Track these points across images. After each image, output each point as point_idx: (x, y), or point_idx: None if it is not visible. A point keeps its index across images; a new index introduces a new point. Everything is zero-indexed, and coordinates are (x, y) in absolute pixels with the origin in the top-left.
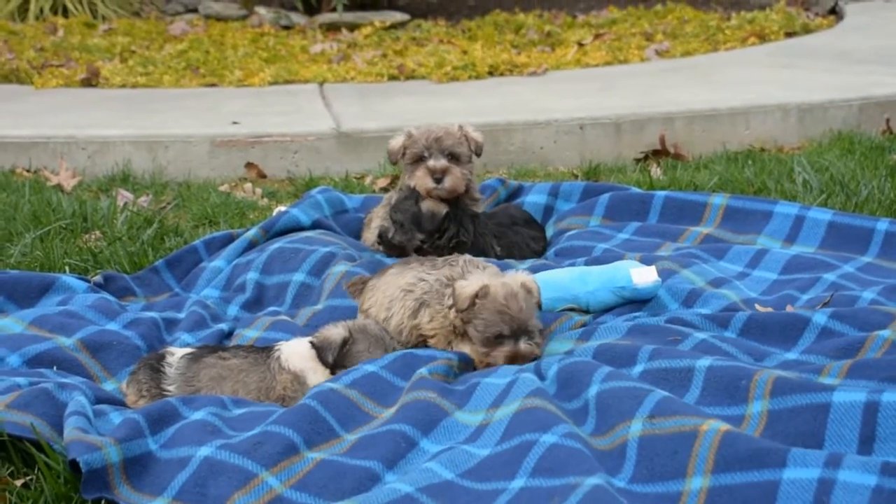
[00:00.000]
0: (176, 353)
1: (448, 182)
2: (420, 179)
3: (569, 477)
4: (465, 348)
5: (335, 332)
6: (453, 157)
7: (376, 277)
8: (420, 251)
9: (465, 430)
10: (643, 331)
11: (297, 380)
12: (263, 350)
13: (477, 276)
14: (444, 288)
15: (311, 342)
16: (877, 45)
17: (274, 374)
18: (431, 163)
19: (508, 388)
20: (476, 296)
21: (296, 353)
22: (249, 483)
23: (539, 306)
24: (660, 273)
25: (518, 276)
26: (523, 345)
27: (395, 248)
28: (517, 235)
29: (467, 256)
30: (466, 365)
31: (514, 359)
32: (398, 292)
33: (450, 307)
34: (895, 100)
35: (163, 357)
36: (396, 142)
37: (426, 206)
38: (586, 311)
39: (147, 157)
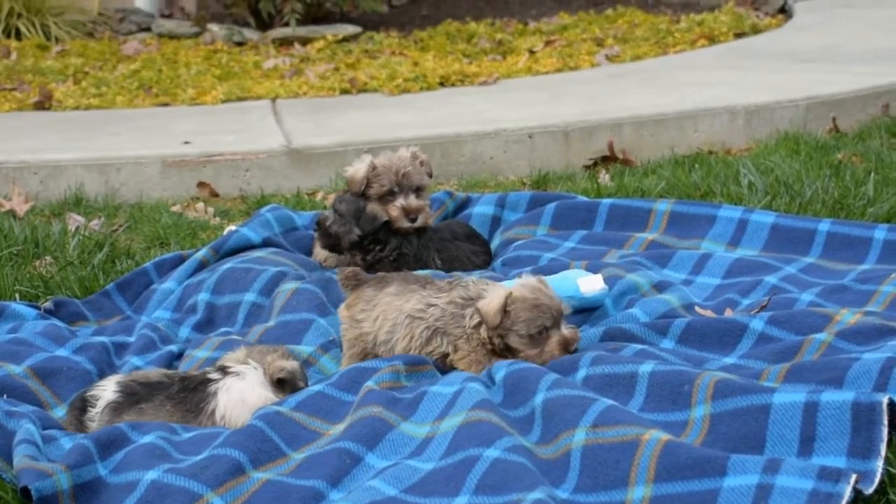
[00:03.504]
0: (101, 399)
1: (421, 220)
2: (396, 219)
3: (511, 494)
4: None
5: (289, 363)
6: (419, 190)
7: (373, 287)
8: (355, 247)
9: (410, 443)
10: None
11: None
12: (196, 398)
13: (492, 290)
14: (461, 310)
15: (280, 378)
16: (825, 44)
17: None
18: (405, 202)
19: (455, 399)
20: (504, 306)
21: (239, 403)
22: None
23: None
24: (606, 280)
25: (527, 277)
26: (566, 330)
27: (330, 238)
28: (458, 250)
29: (473, 277)
30: (414, 366)
31: (568, 345)
32: (402, 318)
33: (474, 326)
34: (841, 98)
35: (85, 407)
36: (358, 171)
37: (371, 206)
38: None
39: (99, 180)
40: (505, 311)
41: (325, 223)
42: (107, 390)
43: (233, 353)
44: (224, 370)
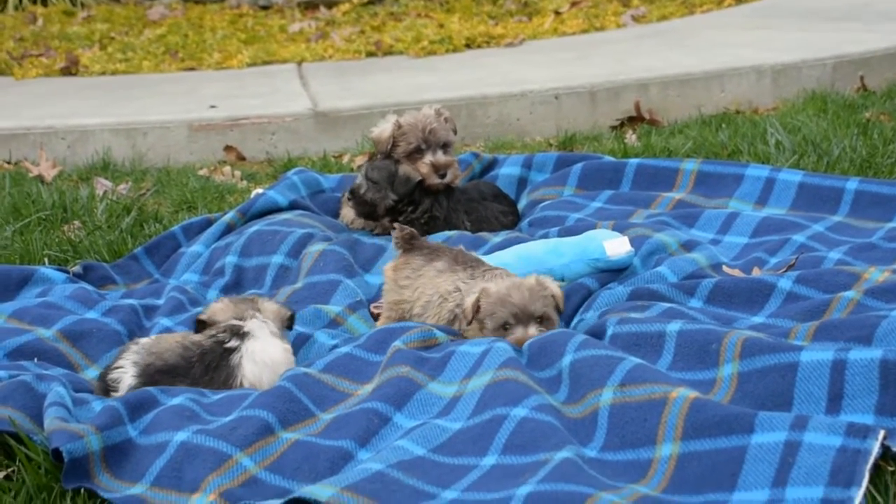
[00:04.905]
0: (122, 383)
1: (450, 175)
2: (427, 176)
3: (539, 453)
4: None
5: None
6: (446, 147)
7: (424, 257)
8: (391, 212)
9: (438, 403)
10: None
11: None
12: (222, 376)
13: (486, 285)
14: None
15: (290, 316)
16: (853, 2)
17: None
18: (433, 158)
19: (482, 358)
20: (477, 303)
21: (266, 367)
22: (224, 464)
23: (558, 308)
24: (632, 240)
25: (536, 275)
26: (532, 329)
27: (365, 205)
28: (487, 210)
29: (503, 270)
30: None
31: (520, 345)
32: (436, 298)
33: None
34: (869, 57)
35: (107, 390)
36: (384, 131)
37: (403, 168)
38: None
39: (126, 145)
40: (478, 307)
41: (359, 191)
42: (126, 373)
43: (215, 303)
44: (237, 333)
